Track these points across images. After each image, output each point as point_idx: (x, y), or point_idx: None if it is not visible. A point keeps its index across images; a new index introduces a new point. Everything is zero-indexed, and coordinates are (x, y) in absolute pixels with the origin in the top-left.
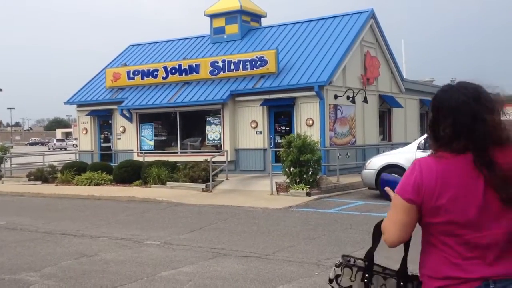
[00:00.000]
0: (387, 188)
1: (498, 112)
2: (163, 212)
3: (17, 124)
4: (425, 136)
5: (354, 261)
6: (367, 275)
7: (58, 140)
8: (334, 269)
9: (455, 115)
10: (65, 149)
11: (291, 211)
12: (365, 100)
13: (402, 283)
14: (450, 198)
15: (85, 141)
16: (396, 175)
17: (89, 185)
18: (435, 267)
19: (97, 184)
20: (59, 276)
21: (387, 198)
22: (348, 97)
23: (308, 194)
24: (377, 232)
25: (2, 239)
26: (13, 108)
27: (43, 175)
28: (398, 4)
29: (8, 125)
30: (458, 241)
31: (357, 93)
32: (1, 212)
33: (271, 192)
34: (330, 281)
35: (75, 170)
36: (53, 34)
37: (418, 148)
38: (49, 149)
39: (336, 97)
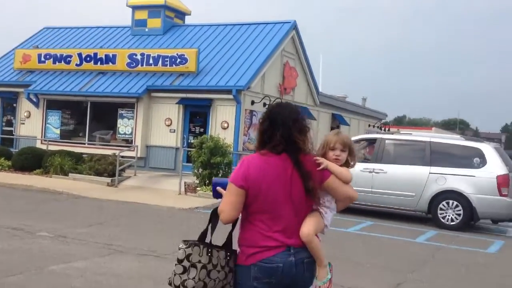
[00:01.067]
0: (218, 188)
1: (305, 131)
2: (62, 204)
3: None
4: None
5: (195, 243)
6: (210, 250)
7: None
8: (184, 250)
9: (282, 128)
10: None
11: (196, 212)
12: None
13: (228, 253)
14: (267, 184)
15: None
16: (226, 178)
17: None
18: (252, 238)
19: None
20: None
21: (217, 196)
22: (264, 104)
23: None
24: (214, 216)
25: None
26: None
27: None
28: (320, 18)
29: None
30: (269, 217)
31: (274, 100)
32: None
33: (179, 192)
34: (180, 261)
35: None
36: None
37: None
38: None
39: (253, 102)
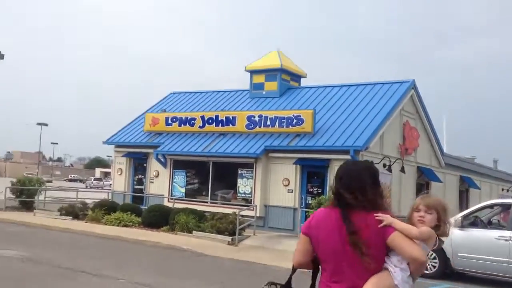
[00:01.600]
0: None
1: (357, 186)
2: (185, 260)
3: (59, 160)
4: (463, 213)
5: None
6: None
7: (96, 179)
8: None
9: (335, 183)
10: (102, 188)
11: None
12: (403, 170)
13: None
14: (325, 234)
15: (119, 181)
16: None
17: (118, 225)
18: (320, 285)
19: (125, 226)
20: None
21: None
22: (384, 165)
23: None
24: None
25: (24, 270)
26: (57, 144)
27: (74, 211)
28: (440, 78)
29: (50, 159)
30: (330, 267)
31: (395, 161)
32: (28, 243)
33: None
34: None
35: (106, 209)
36: (105, 70)
37: (455, 225)
38: (87, 186)
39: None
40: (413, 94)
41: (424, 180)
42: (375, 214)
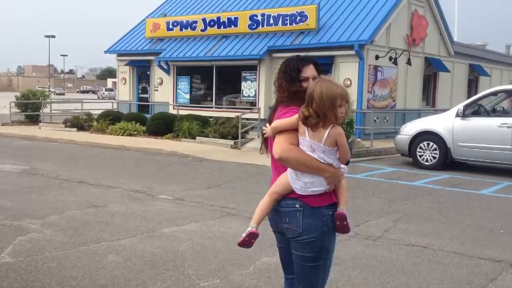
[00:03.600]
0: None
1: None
2: (186, 166)
3: (70, 72)
4: (466, 102)
5: None
6: None
7: (107, 89)
8: None
9: None
10: (114, 98)
11: None
12: (409, 62)
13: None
14: None
15: (123, 91)
16: None
17: (122, 135)
18: None
19: (130, 135)
20: (60, 225)
21: None
22: (390, 58)
23: None
24: None
25: (20, 184)
26: (66, 56)
27: (79, 123)
28: None
29: (62, 72)
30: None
31: (401, 54)
32: (29, 157)
33: None
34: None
35: (110, 120)
36: None
37: (457, 115)
38: (99, 97)
39: (377, 57)
40: None
41: (432, 71)
42: (263, 128)
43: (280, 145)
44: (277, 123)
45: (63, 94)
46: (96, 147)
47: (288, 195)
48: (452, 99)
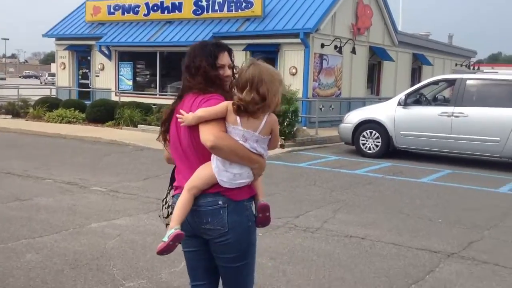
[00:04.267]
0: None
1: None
2: (125, 156)
3: (12, 56)
4: (407, 91)
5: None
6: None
7: (50, 75)
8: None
9: None
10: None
11: None
12: (353, 51)
13: (168, 190)
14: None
15: (63, 76)
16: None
17: (60, 122)
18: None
19: (69, 122)
20: None
21: None
22: (335, 47)
23: (282, 146)
24: None
25: None
26: (8, 39)
27: (14, 109)
28: None
29: (4, 56)
30: (174, 158)
31: (346, 43)
32: None
33: None
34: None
35: (48, 106)
36: None
37: (399, 104)
38: (41, 83)
39: (322, 46)
40: None
41: (376, 60)
42: (177, 115)
43: (212, 131)
44: (203, 112)
45: (4, 79)
46: (31, 135)
47: (206, 191)
48: (396, 88)
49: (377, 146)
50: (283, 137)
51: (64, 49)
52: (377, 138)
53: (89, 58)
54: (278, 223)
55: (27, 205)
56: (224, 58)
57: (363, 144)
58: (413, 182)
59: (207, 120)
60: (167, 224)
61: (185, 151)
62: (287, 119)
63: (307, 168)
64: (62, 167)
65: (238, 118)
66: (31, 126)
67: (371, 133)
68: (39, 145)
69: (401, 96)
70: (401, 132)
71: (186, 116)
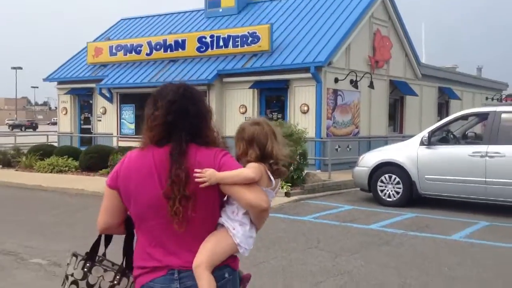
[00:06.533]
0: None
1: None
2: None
3: (45, 104)
4: (431, 128)
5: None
6: (87, 264)
7: None
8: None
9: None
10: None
11: None
12: (371, 86)
13: (118, 276)
14: (136, 183)
15: (64, 122)
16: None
17: (51, 172)
18: (135, 256)
19: (60, 171)
20: None
21: None
22: (351, 81)
23: (287, 194)
24: None
25: None
26: (37, 87)
27: (5, 159)
28: None
29: (36, 104)
30: (146, 228)
31: (362, 77)
32: None
33: None
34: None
35: (41, 154)
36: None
37: (422, 143)
38: None
39: (336, 80)
40: None
41: (398, 95)
42: (195, 173)
43: (261, 192)
44: (235, 177)
45: (36, 127)
46: (9, 187)
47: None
48: (422, 125)
49: (397, 193)
50: (289, 184)
51: (66, 93)
52: (398, 183)
53: (91, 102)
54: None
55: None
56: None
57: (381, 191)
58: (441, 240)
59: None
60: None
61: (184, 220)
62: (295, 163)
63: (311, 222)
64: (15, 229)
65: (273, 180)
66: (12, 177)
67: (390, 177)
68: (7, 200)
69: (424, 133)
70: (425, 176)
71: (209, 175)
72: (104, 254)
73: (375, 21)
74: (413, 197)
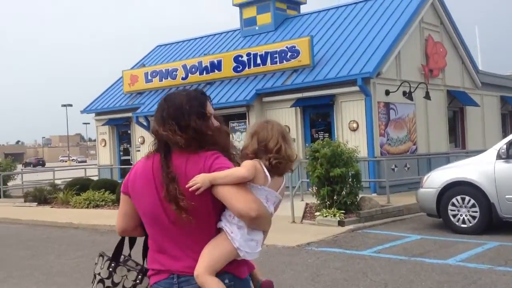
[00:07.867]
0: None
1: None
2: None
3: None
4: (509, 138)
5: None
6: (112, 264)
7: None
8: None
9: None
10: None
11: (306, 252)
12: (427, 96)
13: (140, 276)
14: (138, 190)
15: (104, 154)
16: None
17: (87, 207)
18: (148, 256)
19: (97, 206)
20: None
21: None
22: (404, 93)
23: (341, 223)
24: None
25: None
26: (89, 123)
27: (42, 195)
28: None
29: (89, 139)
30: (150, 234)
31: (416, 87)
32: None
33: (292, 219)
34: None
35: (78, 189)
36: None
37: (499, 157)
38: None
39: (387, 93)
40: (435, 1)
41: (457, 106)
42: (187, 185)
43: (252, 198)
44: (227, 176)
45: (85, 161)
46: (41, 226)
47: None
48: (485, 138)
49: (473, 217)
50: (343, 211)
51: (103, 124)
52: (473, 206)
53: (129, 132)
54: None
55: None
56: (210, 107)
57: (454, 216)
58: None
59: (229, 184)
60: None
61: (184, 226)
62: (349, 186)
63: (373, 258)
64: (25, 277)
65: (269, 177)
66: (45, 215)
67: (463, 199)
68: (30, 241)
69: (501, 145)
70: (506, 196)
71: (201, 179)
72: (129, 255)
73: (426, 26)
74: (493, 221)
